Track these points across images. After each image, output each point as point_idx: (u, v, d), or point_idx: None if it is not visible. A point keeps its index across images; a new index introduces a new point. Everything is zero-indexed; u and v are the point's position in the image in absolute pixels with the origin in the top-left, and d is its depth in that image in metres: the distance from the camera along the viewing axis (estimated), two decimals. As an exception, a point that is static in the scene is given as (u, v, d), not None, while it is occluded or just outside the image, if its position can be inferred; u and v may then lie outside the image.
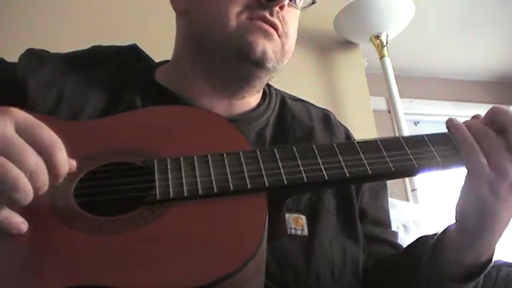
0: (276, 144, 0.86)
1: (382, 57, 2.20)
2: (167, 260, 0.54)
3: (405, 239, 1.18)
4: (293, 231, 0.78)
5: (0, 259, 0.54)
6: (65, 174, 0.56)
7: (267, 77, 0.88)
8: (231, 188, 0.61)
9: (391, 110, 2.37)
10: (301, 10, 0.91)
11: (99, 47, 0.94)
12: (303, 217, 0.80)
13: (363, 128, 1.91)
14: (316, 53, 2.04)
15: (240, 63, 0.83)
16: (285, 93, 1.00)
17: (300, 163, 0.65)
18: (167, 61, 0.96)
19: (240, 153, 0.65)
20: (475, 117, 0.73)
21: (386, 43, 2.17)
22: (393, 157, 0.67)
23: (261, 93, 0.94)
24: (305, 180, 0.63)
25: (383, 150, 0.68)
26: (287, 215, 0.77)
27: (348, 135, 0.99)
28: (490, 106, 0.72)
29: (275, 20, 0.83)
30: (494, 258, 0.74)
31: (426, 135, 0.71)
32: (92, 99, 0.82)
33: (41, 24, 1.60)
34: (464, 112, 3.02)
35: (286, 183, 0.62)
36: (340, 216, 0.84)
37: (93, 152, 0.65)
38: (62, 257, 0.55)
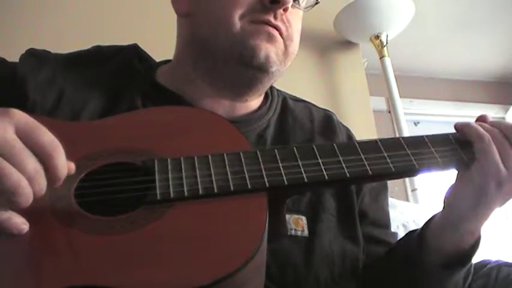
0: (277, 145, 0.86)
1: (382, 57, 2.20)
2: (167, 260, 0.54)
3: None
4: (293, 232, 0.78)
5: (0, 259, 0.54)
6: (63, 177, 0.56)
7: (270, 81, 0.88)
8: (232, 188, 0.61)
9: (391, 110, 2.37)
10: (304, 10, 0.91)
11: (100, 47, 0.93)
12: (303, 218, 0.80)
13: (363, 128, 1.91)
14: (316, 53, 2.04)
15: (243, 68, 0.82)
16: (287, 94, 1.00)
17: (300, 163, 0.65)
18: (168, 61, 0.95)
19: (241, 153, 0.65)
20: (482, 117, 0.74)
21: (386, 43, 2.17)
22: (393, 157, 0.67)
23: (263, 95, 0.94)
24: (305, 180, 0.63)
25: (383, 151, 0.68)
26: (287, 216, 0.77)
27: (350, 136, 0.98)
28: (490, 106, 0.73)
29: (279, 23, 0.83)
30: (494, 258, 0.75)
31: (426, 135, 0.71)
32: (92, 99, 0.82)
33: (41, 24, 1.60)
34: (464, 112, 3.03)
35: (286, 183, 0.63)
36: (340, 217, 0.85)
37: (93, 152, 0.65)
38: (62, 257, 0.55)
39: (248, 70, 0.82)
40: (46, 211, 0.58)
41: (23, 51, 0.86)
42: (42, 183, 0.53)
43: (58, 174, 0.55)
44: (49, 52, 0.89)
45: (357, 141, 0.70)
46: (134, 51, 0.94)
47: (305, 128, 0.92)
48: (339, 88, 2.03)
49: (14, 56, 0.86)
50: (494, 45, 3.08)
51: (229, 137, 0.69)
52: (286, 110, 0.95)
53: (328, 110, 1.01)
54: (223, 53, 0.82)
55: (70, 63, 0.87)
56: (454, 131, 0.74)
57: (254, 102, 0.92)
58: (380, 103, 2.90)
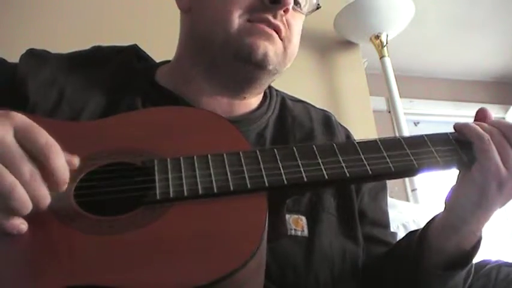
0: (276, 145, 0.86)
1: (382, 57, 2.21)
2: (167, 260, 0.54)
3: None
4: (293, 232, 0.78)
5: (0, 259, 0.54)
6: (65, 180, 0.56)
7: (268, 79, 0.88)
8: (231, 188, 0.61)
9: (391, 110, 2.37)
10: (305, 14, 0.91)
11: (100, 47, 0.93)
12: (303, 218, 0.80)
13: (363, 128, 1.91)
14: (316, 53, 2.04)
15: (241, 64, 0.82)
16: (285, 94, 1.00)
17: (300, 163, 0.65)
18: (168, 61, 0.96)
19: (240, 153, 0.65)
20: (482, 112, 0.75)
21: (386, 43, 2.17)
22: (393, 157, 0.67)
23: (261, 95, 0.94)
24: (305, 180, 0.63)
25: (383, 150, 0.68)
26: (287, 216, 0.77)
27: (349, 137, 0.98)
28: (490, 106, 0.73)
29: (278, 23, 0.82)
30: (494, 258, 0.75)
31: (426, 135, 0.71)
32: (92, 99, 0.82)
33: (41, 24, 1.60)
34: (464, 112, 3.03)
35: (286, 183, 0.62)
36: (340, 216, 0.85)
37: (93, 152, 0.65)
38: (62, 257, 0.55)
39: (245, 66, 0.82)
40: (46, 211, 0.57)
41: (23, 51, 0.86)
42: (38, 187, 0.53)
43: (58, 176, 0.54)
44: (49, 52, 0.89)
45: (356, 141, 0.70)
46: (134, 52, 0.94)
47: (304, 128, 0.92)
48: (339, 88, 2.03)
49: (14, 56, 0.86)
50: (494, 45, 3.08)
51: (228, 136, 0.69)
52: (285, 109, 0.95)
53: (327, 111, 1.01)
54: (221, 50, 0.83)
55: (70, 63, 0.87)
56: (454, 130, 0.74)
57: (253, 102, 0.92)
58: (380, 103, 2.90)
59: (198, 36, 0.86)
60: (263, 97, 0.95)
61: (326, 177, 0.64)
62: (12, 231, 0.54)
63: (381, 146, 0.68)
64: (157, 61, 0.97)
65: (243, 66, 0.82)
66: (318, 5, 0.91)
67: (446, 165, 0.69)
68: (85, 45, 0.94)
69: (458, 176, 0.73)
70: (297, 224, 0.79)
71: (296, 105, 0.98)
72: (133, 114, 0.77)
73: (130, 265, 0.54)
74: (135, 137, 0.68)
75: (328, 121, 0.97)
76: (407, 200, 2.38)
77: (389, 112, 2.79)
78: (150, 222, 0.57)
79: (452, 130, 0.74)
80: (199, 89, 0.87)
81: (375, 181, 0.91)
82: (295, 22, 0.87)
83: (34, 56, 0.86)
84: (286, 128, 0.91)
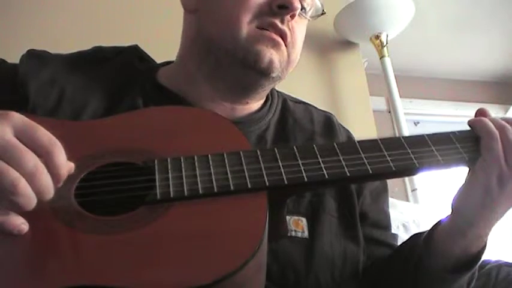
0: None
1: (382, 57, 2.20)
2: (168, 260, 0.54)
3: (405, 239, 1.18)
4: (293, 233, 0.78)
5: (1, 260, 0.54)
6: (64, 176, 0.55)
7: (270, 85, 0.88)
8: (232, 188, 0.61)
9: (391, 110, 2.37)
10: (309, 20, 0.91)
11: (101, 47, 0.93)
12: (303, 219, 0.80)
13: (363, 128, 1.91)
14: (316, 53, 2.04)
15: (246, 70, 0.83)
16: (287, 95, 1.00)
17: (300, 162, 0.65)
18: (169, 62, 0.96)
19: (241, 152, 0.65)
20: (481, 112, 0.75)
21: (386, 43, 2.17)
22: (394, 156, 0.67)
23: (264, 98, 0.94)
24: (305, 179, 0.63)
25: (383, 150, 0.68)
26: (288, 218, 0.77)
27: (350, 138, 0.98)
28: (490, 106, 0.73)
29: (285, 28, 0.83)
30: (494, 258, 0.75)
31: (427, 134, 0.71)
32: (93, 99, 0.82)
33: (41, 24, 1.60)
34: (464, 112, 3.02)
35: (286, 182, 0.62)
36: (340, 217, 0.84)
37: (94, 152, 0.65)
38: (62, 257, 0.55)
39: (250, 73, 0.83)
40: (46, 211, 0.57)
41: (23, 52, 0.86)
42: (44, 181, 0.53)
43: (59, 172, 0.54)
44: (50, 53, 0.89)
45: (357, 140, 0.70)
46: (135, 52, 0.95)
47: (305, 129, 0.92)
48: (339, 88, 2.03)
49: (14, 56, 0.86)
50: (494, 45, 3.08)
51: (229, 136, 0.69)
52: (287, 111, 0.95)
53: (329, 112, 1.01)
54: (227, 55, 0.83)
55: (71, 63, 0.87)
56: (454, 130, 0.74)
57: (255, 104, 0.92)
58: (380, 103, 2.90)
59: (205, 39, 0.86)
60: (265, 99, 0.95)
61: (326, 176, 0.64)
62: (13, 231, 0.54)
63: (382, 146, 0.68)
64: (158, 61, 0.97)
65: (248, 72, 0.83)
66: (323, 10, 0.92)
67: (447, 164, 0.69)
68: (85, 45, 0.94)
69: (465, 178, 0.73)
70: (298, 225, 0.79)
71: (297, 106, 0.98)
72: (134, 114, 0.77)
73: (131, 265, 0.54)
74: (136, 136, 0.68)
75: (329, 123, 0.97)
76: (408, 200, 2.38)
77: (389, 112, 2.78)
78: (151, 222, 0.57)
79: (453, 130, 0.74)
80: (201, 91, 0.87)
81: (376, 180, 0.91)
82: (299, 28, 0.87)
83: (34, 56, 0.86)
84: (287, 130, 0.91)
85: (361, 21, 2.08)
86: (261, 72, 0.82)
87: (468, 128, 0.74)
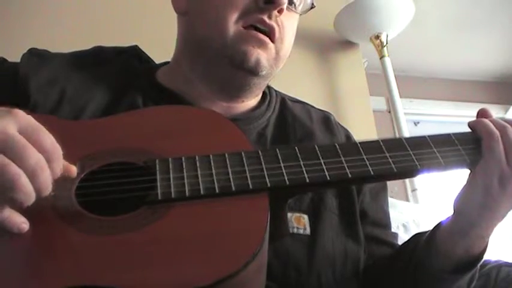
0: (277, 144, 0.86)
1: (382, 57, 2.20)
2: (168, 260, 0.54)
3: (405, 239, 1.18)
4: (295, 230, 0.78)
5: (1, 258, 0.54)
6: (51, 184, 0.55)
7: (263, 82, 0.89)
8: (233, 188, 0.61)
9: (391, 110, 2.37)
10: (300, 14, 0.91)
11: (101, 47, 0.94)
12: (305, 216, 0.80)
13: (363, 128, 1.91)
14: (316, 53, 2.04)
15: (235, 70, 0.83)
16: (285, 94, 1.01)
17: (302, 163, 0.65)
18: (168, 62, 0.96)
19: (242, 153, 0.65)
20: (483, 113, 0.74)
21: (386, 43, 2.17)
22: (395, 158, 0.67)
23: (260, 95, 0.94)
24: (307, 180, 0.63)
25: (385, 151, 0.68)
26: (289, 214, 0.77)
27: (348, 137, 0.98)
28: (489, 106, 0.73)
29: (273, 23, 0.83)
30: (494, 258, 0.75)
31: (429, 135, 0.71)
32: (93, 99, 0.82)
33: (41, 24, 1.60)
34: (464, 112, 3.02)
35: (288, 183, 0.62)
36: (341, 215, 0.85)
37: (94, 152, 0.65)
38: (63, 257, 0.55)
39: (239, 72, 0.83)
40: (47, 210, 0.57)
41: (23, 51, 0.86)
42: (45, 177, 0.53)
43: (56, 172, 0.55)
44: (50, 52, 0.89)
45: (358, 141, 0.70)
46: (135, 53, 0.95)
47: (305, 126, 0.92)
48: (339, 88, 2.03)
49: (14, 56, 0.86)
50: (494, 45, 3.08)
51: (230, 136, 0.69)
52: (285, 109, 0.95)
53: (327, 111, 1.02)
54: (216, 55, 0.83)
55: (72, 62, 0.87)
56: (454, 130, 0.74)
57: (252, 102, 0.92)
58: (380, 103, 2.90)
59: (195, 40, 0.87)
60: (262, 97, 0.95)
61: (328, 178, 0.64)
62: (13, 229, 0.54)
63: (383, 147, 0.68)
64: (158, 61, 0.97)
65: (237, 72, 0.83)
66: (313, 4, 0.92)
67: (449, 165, 0.69)
68: (85, 45, 0.94)
69: (467, 178, 0.73)
70: (299, 222, 0.79)
71: (296, 105, 0.98)
72: (135, 113, 0.77)
73: (132, 265, 0.54)
74: (136, 136, 0.68)
75: (327, 121, 0.97)
76: (408, 200, 2.38)
77: (389, 112, 2.78)
78: (152, 222, 0.57)
79: (453, 130, 0.74)
80: (198, 91, 0.87)
81: (377, 182, 0.92)
82: (289, 22, 0.87)
83: (35, 55, 0.86)
84: (287, 127, 0.91)
85: (361, 21, 2.08)
86: (249, 72, 0.83)
87: (468, 129, 0.74)
